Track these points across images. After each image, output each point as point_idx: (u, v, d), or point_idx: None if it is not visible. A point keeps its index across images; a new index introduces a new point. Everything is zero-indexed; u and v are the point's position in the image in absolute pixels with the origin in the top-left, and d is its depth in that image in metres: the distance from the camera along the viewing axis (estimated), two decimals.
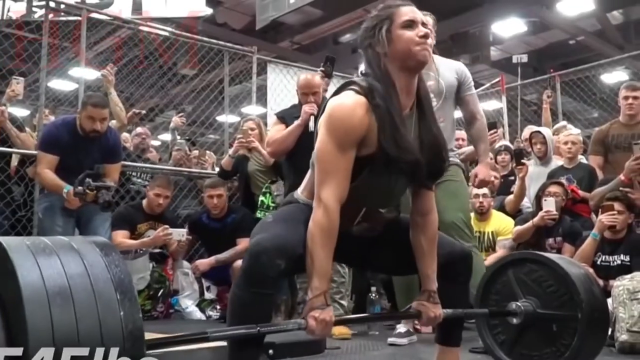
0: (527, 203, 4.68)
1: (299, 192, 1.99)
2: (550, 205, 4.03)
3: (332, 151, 1.77)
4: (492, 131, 4.66)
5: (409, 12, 1.86)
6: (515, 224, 4.32)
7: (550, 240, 4.09)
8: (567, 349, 2.08)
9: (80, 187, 3.63)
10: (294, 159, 3.73)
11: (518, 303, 2.15)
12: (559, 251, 3.99)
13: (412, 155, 1.80)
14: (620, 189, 3.72)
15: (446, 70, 3.29)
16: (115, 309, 1.12)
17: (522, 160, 4.42)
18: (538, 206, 4.18)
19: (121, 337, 1.11)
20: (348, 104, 1.79)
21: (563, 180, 4.35)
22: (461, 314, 2.04)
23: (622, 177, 3.74)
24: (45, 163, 3.86)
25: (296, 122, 3.76)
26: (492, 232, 4.47)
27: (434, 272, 1.96)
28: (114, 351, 1.09)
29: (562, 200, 4.19)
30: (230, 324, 1.74)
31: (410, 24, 1.83)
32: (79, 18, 5.22)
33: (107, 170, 3.90)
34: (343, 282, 3.82)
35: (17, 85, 4.86)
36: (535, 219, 4.05)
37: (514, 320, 2.17)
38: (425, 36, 1.83)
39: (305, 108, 3.77)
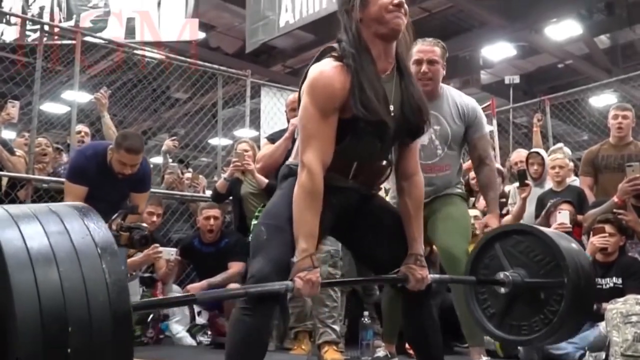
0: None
1: (292, 159, 2.02)
2: (565, 217, 4.01)
3: (314, 116, 1.81)
4: None
5: None
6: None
7: None
8: (554, 315, 2.10)
9: (113, 228, 3.39)
10: None
11: (506, 273, 2.17)
12: None
13: (376, 116, 1.82)
14: (614, 210, 3.74)
15: (454, 113, 3.06)
16: (97, 264, 1.14)
17: (526, 181, 4.43)
18: (546, 222, 4.15)
19: (105, 290, 1.12)
20: (328, 70, 1.84)
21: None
22: (448, 279, 2.08)
23: (615, 199, 3.77)
24: (73, 195, 3.60)
25: (284, 136, 3.81)
26: None
27: (420, 235, 2.02)
28: (99, 304, 1.11)
29: (573, 215, 4.16)
30: (231, 346, 1.79)
31: None
32: (73, 42, 5.24)
33: (135, 199, 3.80)
34: (335, 306, 3.80)
35: (12, 109, 4.87)
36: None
37: (502, 290, 2.18)
38: (399, 4, 1.84)
39: (292, 121, 3.81)
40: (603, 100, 8.62)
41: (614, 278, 3.54)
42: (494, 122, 6.79)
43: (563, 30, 10.30)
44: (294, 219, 1.77)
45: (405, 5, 1.87)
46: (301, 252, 1.74)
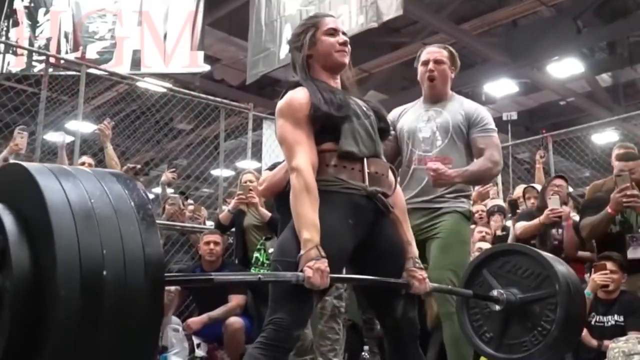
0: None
1: None
2: (555, 203, 4.01)
3: (289, 129, 1.97)
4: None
5: (331, 22, 2.14)
6: (518, 219, 4.30)
7: (555, 232, 4.06)
8: (551, 324, 2.10)
9: None
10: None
11: (500, 290, 2.19)
12: (560, 244, 4.02)
13: (340, 104, 1.99)
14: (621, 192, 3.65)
15: (458, 110, 3.01)
16: (136, 231, 1.17)
17: (518, 211, 4.43)
18: (543, 201, 4.17)
19: (142, 258, 1.15)
20: (289, 93, 2.04)
21: None
22: (447, 290, 2.21)
23: (609, 209, 3.72)
24: None
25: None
26: None
27: (412, 238, 2.11)
28: (135, 268, 1.14)
29: (565, 196, 4.21)
30: None
31: (333, 32, 2.10)
32: (78, 73, 5.30)
33: None
34: (337, 339, 3.77)
35: (21, 139, 4.89)
36: (542, 217, 4.00)
37: (497, 307, 2.19)
38: (344, 43, 2.10)
39: None
40: (605, 137, 8.66)
41: (616, 316, 3.50)
42: None
43: (565, 68, 10.40)
44: (294, 217, 1.84)
45: (349, 45, 2.12)
46: (306, 242, 1.79)
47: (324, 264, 1.76)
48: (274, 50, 7.19)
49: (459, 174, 2.80)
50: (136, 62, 7.56)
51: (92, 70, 5.65)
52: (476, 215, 5.25)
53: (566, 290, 2.11)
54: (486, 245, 4.50)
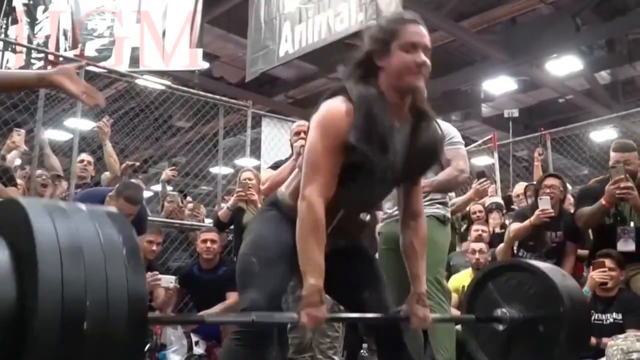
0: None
1: (284, 190, 2.03)
2: (545, 204, 3.97)
3: (321, 151, 1.78)
4: (481, 180, 4.70)
5: (414, 33, 1.83)
6: (512, 220, 4.29)
7: (552, 235, 4.05)
8: (555, 346, 2.09)
9: None
10: None
11: (503, 309, 2.16)
12: (559, 246, 4.00)
13: (387, 163, 1.79)
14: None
15: None
16: (122, 272, 1.18)
17: (512, 206, 4.42)
18: (536, 200, 4.14)
19: (126, 299, 1.17)
20: (339, 109, 1.79)
21: None
22: (449, 319, 2.09)
23: (603, 201, 3.71)
24: None
25: (291, 159, 3.84)
26: None
27: (423, 273, 2.00)
28: (118, 311, 1.16)
29: (560, 193, 4.15)
30: None
31: (412, 47, 1.81)
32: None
33: None
34: (337, 336, 3.78)
35: (18, 137, 4.91)
36: (533, 218, 3.98)
37: (500, 327, 2.17)
38: (422, 64, 1.81)
39: (297, 144, 3.84)
40: (604, 135, 8.65)
41: (614, 314, 3.50)
42: (495, 155, 6.82)
43: (564, 65, 10.40)
44: (299, 254, 1.74)
45: (428, 63, 1.83)
46: (310, 287, 1.72)
47: (322, 312, 1.74)
48: (274, 47, 7.18)
49: (428, 184, 2.98)
50: (135, 60, 7.55)
51: (90, 68, 5.64)
52: (474, 215, 5.26)
53: (571, 311, 2.08)
54: (481, 246, 4.50)
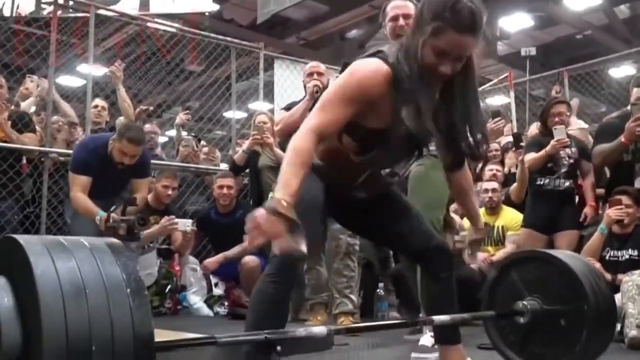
0: None
1: None
2: (560, 133, 4.00)
3: (337, 95, 1.73)
4: (495, 119, 4.64)
5: (459, 42, 1.70)
6: (526, 149, 4.31)
7: (568, 151, 4.10)
8: (577, 342, 2.06)
9: (112, 220, 3.73)
10: None
11: (524, 302, 2.13)
12: (575, 164, 4.09)
13: (422, 130, 1.75)
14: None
15: None
16: (126, 312, 1.15)
17: (521, 144, 4.39)
18: (546, 129, 4.18)
19: (131, 340, 1.14)
20: (372, 66, 1.74)
21: None
22: (470, 319, 2.09)
23: (622, 139, 3.68)
24: (78, 185, 3.83)
25: (304, 99, 3.84)
26: (501, 227, 4.46)
27: (477, 209, 2.19)
28: (124, 354, 1.13)
29: (567, 118, 4.21)
30: (256, 318, 1.83)
31: (442, 54, 1.70)
32: (87, 15, 5.24)
33: (136, 186, 3.98)
34: (352, 276, 3.84)
35: (31, 83, 4.92)
36: (548, 148, 4.02)
37: (521, 320, 2.14)
38: (445, 72, 1.72)
39: (310, 84, 3.83)
40: (622, 71, 8.48)
41: (630, 250, 3.52)
42: (511, 94, 6.73)
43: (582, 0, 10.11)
44: (279, 179, 1.64)
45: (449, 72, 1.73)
46: (270, 201, 1.58)
47: (271, 220, 1.52)
48: None
49: None
50: (144, 3, 7.44)
51: (101, 12, 5.57)
52: (490, 153, 5.22)
53: (595, 310, 2.04)
54: (494, 185, 4.49)
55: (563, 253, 2.37)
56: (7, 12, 7.12)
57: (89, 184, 3.82)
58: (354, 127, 1.78)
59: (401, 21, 2.84)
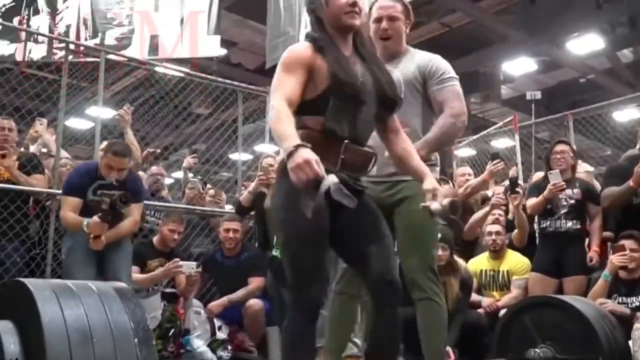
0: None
1: None
2: (556, 177, 4.04)
3: (280, 75, 2.08)
4: (495, 161, 4.64)
5: None
6: (528, 194, 4.34)
7: (568, 192, 4.10)
8: None
9: (93, 197, 3.69)
10: None
11: (537, 350, 2.08)
12: (578, 204, 4.06)
13: (350, 81, 2.07)
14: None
15: (409, 65, 2.78)
16: (132, 351, 1.13)
17: (517, 189, 4.40)
18: (548, 167, 4.23)
19: None
20: (298, 45, 2.20)
21: None
22: None
23: (631, 183, 3.67)
24: (68, 205, 3.88)
25: None
26: (506, 271, 4.42)
27: (424, 165, 2.24)
28: None
29: (571, 159, 4.23)
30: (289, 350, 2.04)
31: None
32: (97, 59, 5.34)
33: (128, 211, 3.92)
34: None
35: (40, 126, 4.99)
36: (545, 193, 4.06)
37: None
38: (354, 4, 2.12)
39: None
40: (627, 115, 8.51)
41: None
42: (516, 137, 6.75)
43: (585, 44, 10.22)
44: (276, 139, 1.94)
45: (360, 4, 2.15)
46: (286, 148, 1.82)
47: (303, 155, 1.75)
48: (293, 34, 7.15)
49: (422, 147, 2.61)
50: (154, 48, 7.60)
51: (111, 56, 5.68)
52: (494, 199, 5.19)
53: (609, 357, 2.01)
54: (498, 228, 4.48)
55: (575, 299, 2.34)
56: (19, 57, 7.28)
57: (79, 205, 3.84)
58: (309, 103, 2.06)
59: (384, 24, 2.75)
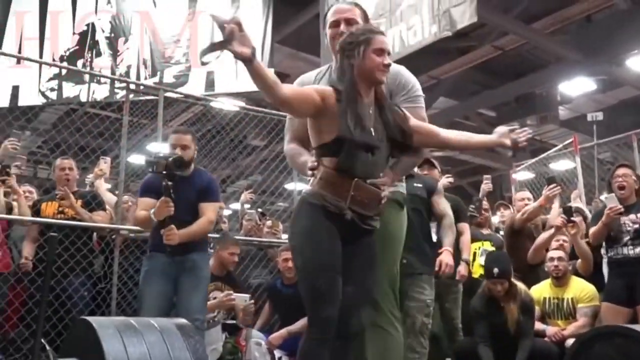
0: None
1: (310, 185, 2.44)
2: (612, 201, 3.98)
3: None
4: (551, 186, 4.52)
5: (381, 42, 2.38)
6: (592, 222, 4.27)
7: (632, 216, 3.99)
8: None
9: (151, 158, 3.75)
10: None
11: None
12: None
13: (369, 136, 2.29)
14: None
15: None
16: None
17: (572, 218, 4.28)
18: (610, 192, 4.16)
19: None
20: (325, 88, 2.39)
21: None
22: None
23: None
24: (141, 204, 3.93)
25: None
26: (571, 299, 4.28)
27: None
28: None
29: (634, 182, 4.12)
30: None
31: (381, 52, 2.36)
32: (156, 97, 5.53)
33: (202, 209, 3.90)
34: (424, 353, 3.79)
35: (104, 164, 5.19)
36: (603, 218, 3.98)
37: None
38: (388, 65, 2.37)
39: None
40: None
41: None
42: (577, 159, 6.59)
43: None
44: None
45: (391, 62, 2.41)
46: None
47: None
48: None
49: (391, 177, 2.52)
50: (210, 83, 7.80)
51: (169, 94, 5.86)
52: (558, 219, 5.04)
53: None
54: (560, 254, 4.35)
55: None
56: (83, 98, 7.60)
57: (152, 206, 3.78)
58: (323, 147, 2.31)
59: (342, 27, 2.63)
